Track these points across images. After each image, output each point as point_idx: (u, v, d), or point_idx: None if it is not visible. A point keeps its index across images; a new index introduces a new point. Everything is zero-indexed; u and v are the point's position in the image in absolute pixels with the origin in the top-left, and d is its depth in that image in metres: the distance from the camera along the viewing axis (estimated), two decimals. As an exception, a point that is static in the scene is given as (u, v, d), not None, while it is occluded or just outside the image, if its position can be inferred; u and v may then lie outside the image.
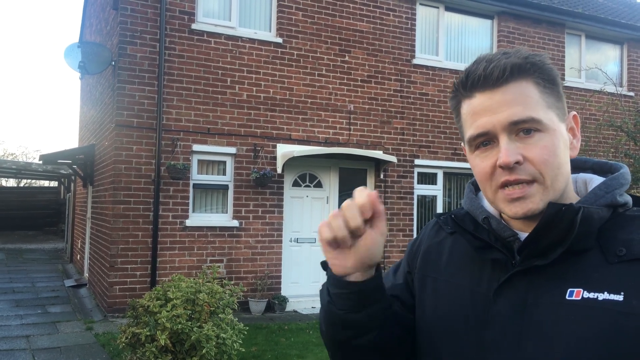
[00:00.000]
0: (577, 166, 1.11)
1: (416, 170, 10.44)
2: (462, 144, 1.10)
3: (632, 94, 12.32)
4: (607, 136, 11.19)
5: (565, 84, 11.52)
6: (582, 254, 0.95)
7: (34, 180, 31.83)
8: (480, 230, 1.08)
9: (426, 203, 10.62)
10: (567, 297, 0.93)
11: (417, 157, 10.39)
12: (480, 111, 1.00)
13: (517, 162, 0.96)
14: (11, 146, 59.00)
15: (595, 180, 1.05)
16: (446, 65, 10.71)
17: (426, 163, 10.47)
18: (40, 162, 12.35)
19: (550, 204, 0.95)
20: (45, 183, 33.01)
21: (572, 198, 1.02)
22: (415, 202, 10.41)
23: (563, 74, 11.67)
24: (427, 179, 10.63)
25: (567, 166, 1.01)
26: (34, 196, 24.87)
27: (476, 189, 1.16)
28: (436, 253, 1.17)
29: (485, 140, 1.00)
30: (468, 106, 1.03)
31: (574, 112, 1.06)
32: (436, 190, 10.68)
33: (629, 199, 1.02)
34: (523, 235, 1.01)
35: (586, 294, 0.92)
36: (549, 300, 0.95)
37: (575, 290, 0.93)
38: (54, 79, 65.10)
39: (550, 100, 1.00)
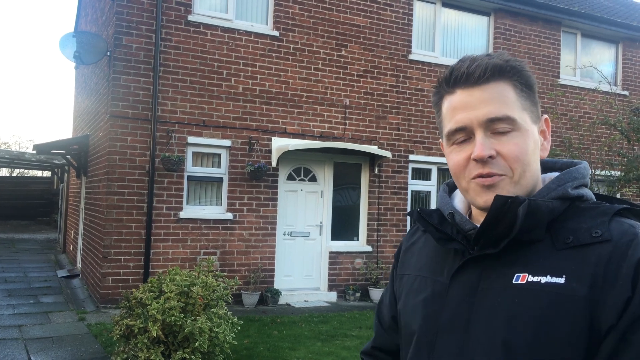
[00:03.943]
0: (548, 167, 1.17)
1: (411, 165, 10.46)
2: (440, 140, 1.17)
3: (626, 92, 12.38)
4: (600, 134, 11.25)
5: (561, 82, 11.57)
6: (533, 244, 1.01)
7: (27, 170, 31.69)
8: (445, 224, 1.15)
9: (420, 198, 10.65)
10: (513, 282, 1.00)
11: (412, 152, 10.41)
12: (460, 107, 1.06)
13: (491, 157, 1.02)
14: (4, 135, 58.65)
15: None
16: (442, 62, 10.71)
17: (421, 159, 10.50)
18: (34, 151, 12.29)
19: (496, 196, 1.00)
20: (39, 173, 32.89)
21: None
22: (409, 197, 10.44)
23: (558, 72, 11.70)
24: (422, 174, 10.67)
25: (537, 165, 1.08)
26: (27, 186, 24.77)
27: (450, 190, 1.25)
28: (410, 253, 1.28)
29: (463, 136, 1.06)
30: (449, 102, 1.09)
31: (546, 116, 1.13)
32: (430, 186, 10.71)
33: (585, 192, 1.07)
34: None
35: (530, 278, 0.98)
36: (497, 285, 1.01)
37: (521, 274, 0.99)
38: (48, 68, 64.71)
39: (526, 103, 1.06)
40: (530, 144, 1.04)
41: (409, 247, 1.29)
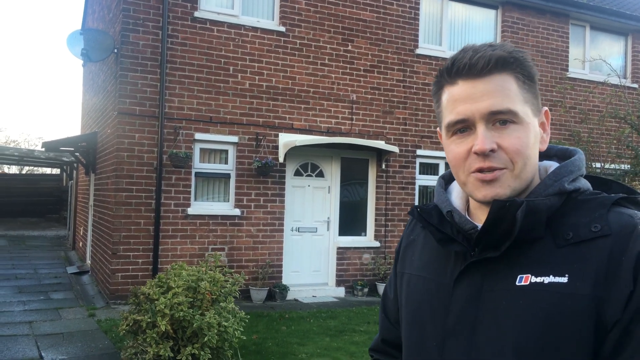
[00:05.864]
0: (543, 154, 1.14)
1: (418, 160, 10.43)
2: (439, 130, 1.14)
3: (635, 85, 12.26)
4: (610, 128, 11.16)
5: (569, 75, 11.48)
6: (534, 242, 1.00)
7: (36, 168, 31.87)
8: (445, 223, 1.13)
9: (428, 193, 10.62)
10: (516, 283, 0.98)
11: (419, 147, 10.38)
12: (462, 98, 1.03)
13: (492, 150, 1.00)
14: (14, 133, 59.07)
15: (554, 167, 1.10)
16: (449, 56, 10.61)
17: (428, 153, 10.46)
18: (43, 149, 12.37)
19: (494, 201, 1.00)
20: (48, 170, 33.05)
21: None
22: (417, 192, 10.42)
23: (567, 65, 11.61)
24: (429, 169, 10.63)
25: (536, 159, 1.06)
26: (36, 183, 24.91)
27: (446, 183, 1.22)
28: (411, 250, 1.25)
29: (463, 127, 1.04)
30: (450, 93, 1.07)
31: (546, 108, 1.11)
32: (438, 181, 10.66)
33: (582, 184, 1.06)
34: None
35: (534, 279, 0.97)
36: (501, 287, 1.00)
37: (524, 276, 0.98)
38: (56, 66, 65.01)
39: (527, 95, 1.04)
40: (531, 137, 1.03)
41: (409, 244, 1.27)
